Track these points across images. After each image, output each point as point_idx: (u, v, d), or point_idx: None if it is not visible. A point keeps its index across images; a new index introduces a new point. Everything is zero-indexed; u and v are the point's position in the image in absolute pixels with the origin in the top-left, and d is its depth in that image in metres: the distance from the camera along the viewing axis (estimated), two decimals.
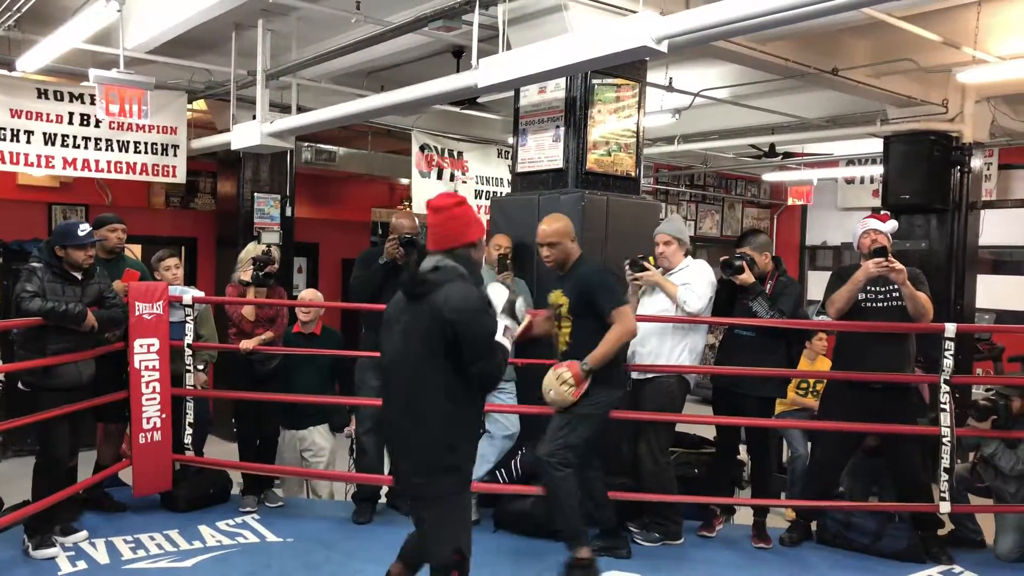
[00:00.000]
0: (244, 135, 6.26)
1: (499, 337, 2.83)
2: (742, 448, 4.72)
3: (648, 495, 4.32)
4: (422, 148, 8.59)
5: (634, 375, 4.36)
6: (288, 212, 8.26)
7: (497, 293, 2.92)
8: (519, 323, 2.98)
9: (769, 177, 12.04)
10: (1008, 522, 4.21)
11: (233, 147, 6.53)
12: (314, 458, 5.25)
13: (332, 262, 10.28)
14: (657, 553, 4.24)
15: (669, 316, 4.30)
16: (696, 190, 12.55)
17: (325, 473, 5.22)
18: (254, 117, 6.17)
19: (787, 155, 10.22)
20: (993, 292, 8.87)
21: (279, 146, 6.29)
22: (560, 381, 3.67)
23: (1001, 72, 5.88)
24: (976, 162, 7.39)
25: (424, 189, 8.56)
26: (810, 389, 5.99)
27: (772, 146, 9.63)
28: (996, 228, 8.80)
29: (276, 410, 4.90)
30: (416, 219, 4.82)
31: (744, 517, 4.66)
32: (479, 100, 7.44)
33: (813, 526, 4.50)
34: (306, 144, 8.63)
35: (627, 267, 4.35)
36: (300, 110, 6.31)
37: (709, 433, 5.04)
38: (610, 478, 4.51)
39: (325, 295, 6.32)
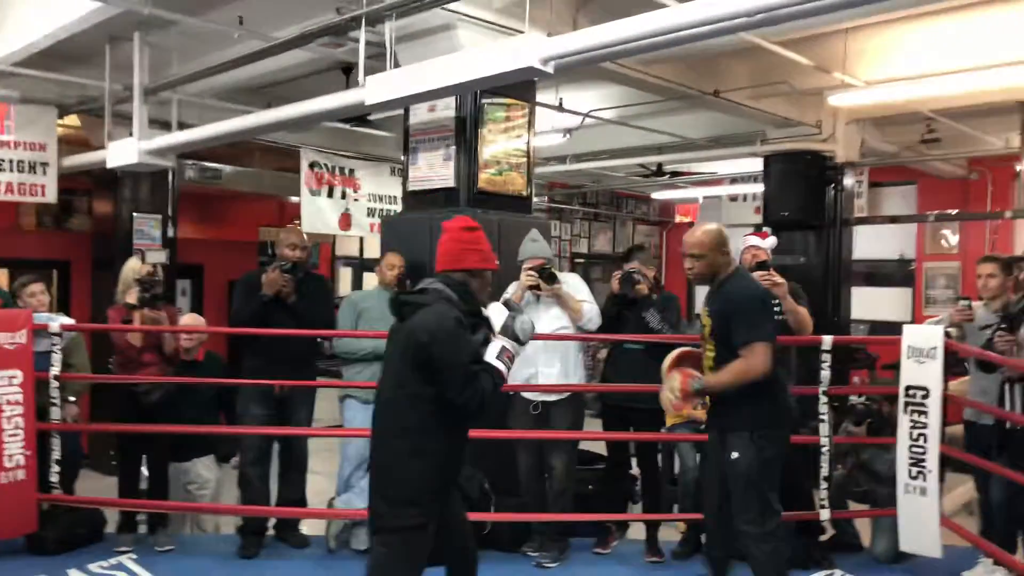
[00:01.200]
0: (120, 153, 5.95)
1: (492, 358, 2.67)
2: (635, 462, 4.78)
3: (546, 515, 4.33)
4: (312, 166, 8.40)
5: (543, 397, 4.35)
6: (170, 232, 7.91)
7: (496, 312, 2.76)
8: (522, 344, 2.73)
9: (658, 195, 12.37)
10: (883, 524, 4.40)
11: (108, 165, 6.19)
12: (198, 491, 4.99)
13: (218, 284, 9.91)
14: (551, 574, 4.22)
15: (570, 334, 4.34)
16: (589, 208, 12.76)
17: (208, 506, 4.98)
18: (131, 134, 5.89)
19: (675, 174, 10.53)
20: (866, 303, 9.35)
21: (158, 164, 6.01)
22: (669, 387, 3.35)
23: (867, 96, 6.24)
24: (848, 180, 7.79)
25: (314, 208, 8.37)
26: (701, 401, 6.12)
27: (660, 165, 9.89)
28: (868, 243, 9.30)
29: (165, 443, 4.63)
30: (304, 237, 4.70)
31: (639, 532, 4.70)
32: (370, 117, 7.35)
33: (703, 538, 4.58)
34: (190, 161, 8.30)
35: (534, 274, 4.27)
36: (182, 127, 6.06)
37: (601, 449, 5.08)
38: (506, 498, 4.50)
39: (211, 319, 6.07)
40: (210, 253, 9.70)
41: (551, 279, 4.29)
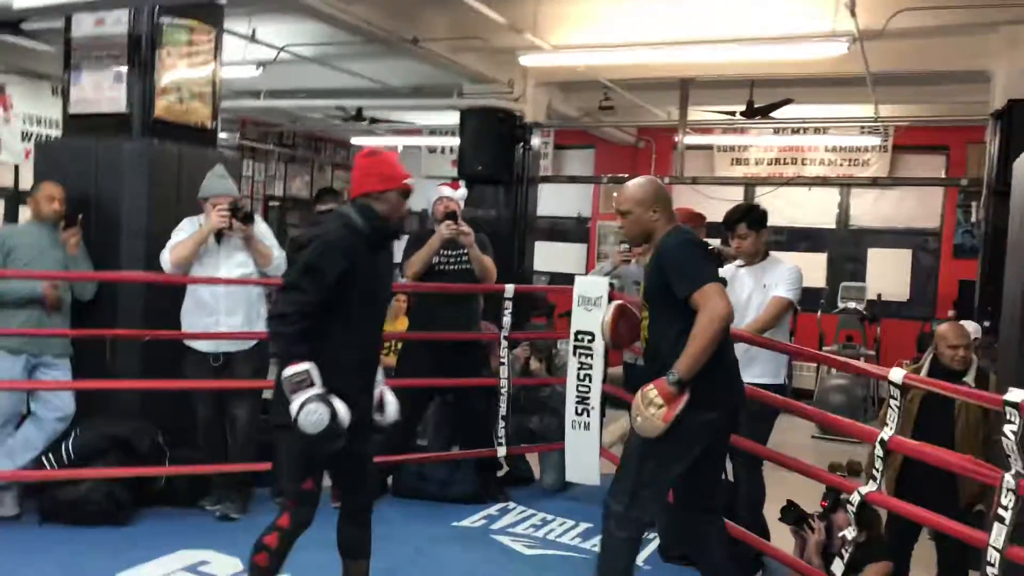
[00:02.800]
0: None
1: (293, 370, 2.59)
2: None
3: (228, 466, 4.15)
4: None
5: (224, 348, 4.11)
6: None
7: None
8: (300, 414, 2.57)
9: (357, 141, 12.20)
10: (552, 458, 4.82)
11: None
12: None
13: None
14: (230, 527, 4.06)
15: (254, 279, 4.15)
16: (286, 149, 12.24)
17: None
18: None
19: (374, 120, 10.43)
20: (547, 256, 10.07)
21: None
22: (647, 402, 2.73)
23: (553, 59, 6.61)
24: (536, 141, 8.24)
25: None
26: (392, 348, 6.20)
27: (360, 110, 9.74)
28: (550, 200, 9.98)
29: None
30: None
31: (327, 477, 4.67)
32: (24, 26, 6.36)
33: (389, 480, 4.69)
34: None
35: (227, 212, 3.99)
36: None
37: None
38: (182, 451, 4.23)
39: None
40: None
41: (247, 219, 4.06)
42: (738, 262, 4.00)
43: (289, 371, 2.60)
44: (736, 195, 9.31)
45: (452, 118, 8.87)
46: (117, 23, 4.32)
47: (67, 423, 4.13)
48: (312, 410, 2.57)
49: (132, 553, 3.65)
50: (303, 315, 2.66)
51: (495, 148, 7.80)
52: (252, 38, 6.57)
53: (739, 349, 3.81)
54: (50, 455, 4.05)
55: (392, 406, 3.00)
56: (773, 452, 3.63)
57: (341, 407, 2.63)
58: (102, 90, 4.41)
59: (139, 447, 4.07)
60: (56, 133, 7.88)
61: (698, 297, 2.71)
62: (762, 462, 3.79)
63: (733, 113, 7.96)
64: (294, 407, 2.57)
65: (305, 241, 2.84)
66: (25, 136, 7.73)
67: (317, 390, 2.60)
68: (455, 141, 8.49)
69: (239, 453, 4.20)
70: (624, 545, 2.86)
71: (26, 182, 10.13)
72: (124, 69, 4.34)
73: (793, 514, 3.61)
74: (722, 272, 3.95)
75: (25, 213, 6.31)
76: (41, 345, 4.10)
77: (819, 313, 8.65)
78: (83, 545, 3.73)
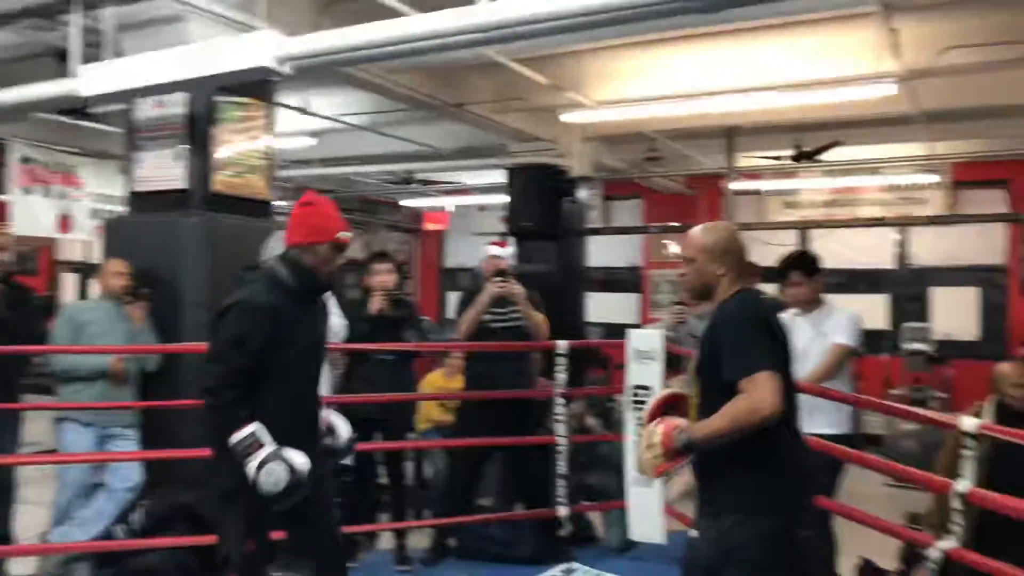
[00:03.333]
0: None
1: (258, 433, 2.55)
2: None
3: None
4: (24, 161, 7.52)
5: None
6: None
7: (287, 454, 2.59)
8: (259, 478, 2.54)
9: (409, 203, 12.44)
10: (615, 515, 4.72)
11: None
12: None
13: None
14: None
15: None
16: (341, 213, 12.54)
17: None
18: None
19: (426, 183, 10.65)
20: (601, 308, 10.01)
21: None
22: (648, 442, 2.46)
23: (597, 116, 6.69)
24: (583, 193, 8.29)
25: (27, 208, 7.50)
26: (448, 405, 6.20)
27: (410, 173, 9.95)
28: (602, 251, 9.97)
29: None
30: (12, 241, 4.19)
31: (390, 541, 4.66)
32: (90, 110, 6.69)
33: (452, 542, 4.65)
34: None
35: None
36: None
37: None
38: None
39: None
40: None
41: None
42: (794, 310, 3.93)
43: (235, 439, 2.56)
44: (790, 239, 9.19)
45: (501, 175, 9.01)
46: (175, 105, 4.51)
47: (136, 493, 4.22)
48: (270, 470, 2.53)
49: None
50: (231, 385, 2.60)
51: (543, 203, 7.88)
52: (304, 110, 6.80)
53: (801, 400, 3.75)
54: (121, 525, 4.13)
55: (342, 426, 2.93)
56: (844, 506, 3.50)
57: (298, 457, 2.58)
58: (163, 168, 4.59)
59: (205, 515, 4.12)
60: (123, 210, 8.21)
61: (746, 384, 2.31)
62: (831, 515, 3.66)
63: (779, 158, 7.90)
64: (251, 471, 2.53)
65: (230, 305, 2.68)
66: (95, 214, 8.06)
67: (269, 448, 2.56)
68: (504, 198, 8.60)
69: None
70: None
71: (96, 257, 10.63)
72: (183, 147, 4.52)
73: (869, 572, 3.48)
74: None
75: (95, 286, 6.58)
76: (110, 417, 4.22)
77: (884, 355, 8.42)
78: None
